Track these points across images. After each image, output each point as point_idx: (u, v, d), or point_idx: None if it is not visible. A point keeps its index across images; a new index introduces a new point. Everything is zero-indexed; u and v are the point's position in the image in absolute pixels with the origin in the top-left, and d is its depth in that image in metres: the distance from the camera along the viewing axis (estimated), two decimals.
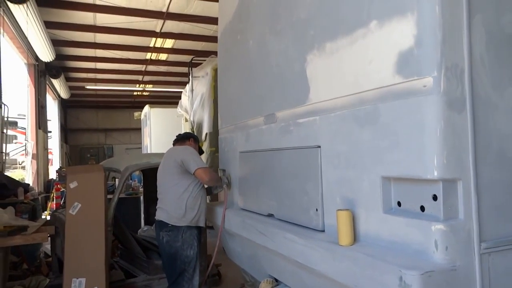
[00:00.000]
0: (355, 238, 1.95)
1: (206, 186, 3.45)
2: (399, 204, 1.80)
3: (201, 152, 3.71)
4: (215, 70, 5.91)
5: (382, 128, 1.80)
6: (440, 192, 1.60)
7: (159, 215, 3.30)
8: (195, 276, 3.25)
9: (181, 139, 3.62)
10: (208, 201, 3.41)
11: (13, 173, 12.44)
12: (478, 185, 1.62)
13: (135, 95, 18.82)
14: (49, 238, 4.16)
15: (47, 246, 5.30)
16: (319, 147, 2.25)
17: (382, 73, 1.79)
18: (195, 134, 7.06)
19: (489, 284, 1.60)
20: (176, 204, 3.23)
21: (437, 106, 1.58)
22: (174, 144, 3.65)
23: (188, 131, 4.19)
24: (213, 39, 9.82)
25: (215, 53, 4.60)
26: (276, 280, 2.75)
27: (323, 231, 2.23)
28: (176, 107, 8.56)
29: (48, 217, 5.66)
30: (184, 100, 7.95)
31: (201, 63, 7.53)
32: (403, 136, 1.69)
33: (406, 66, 1.68)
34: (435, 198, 1.63)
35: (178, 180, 3.25)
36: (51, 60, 10.91)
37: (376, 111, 1.83)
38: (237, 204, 3.45)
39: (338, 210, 1.98)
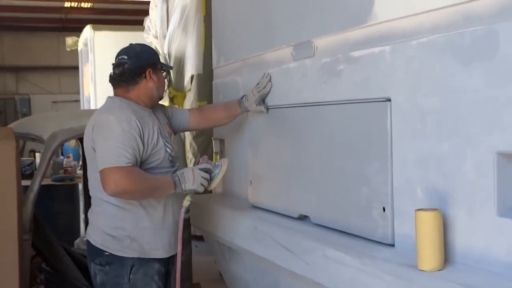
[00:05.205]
0: (446, 258, 1.97)
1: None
2: None
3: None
4: None
5: (502, 66, 1.78)
6: None
7: (88, 232, 3.11)
8: None
9: (122, 82, 3.12)
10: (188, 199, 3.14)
11: None
12: None
13: (66, 7, 18.81)
14: None
15: None
16: (389, 100, 2.25)
17: None
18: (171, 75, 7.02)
19: None
20: (112, 216, 2.98)
21: None
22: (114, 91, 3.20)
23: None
24: None
25: None
26: None
27: (393, 245, 2.25)
28: (140, 30, 8.53)
29: None
30: (154, 17, 7.92)
31: None
32: None
33: None
34: None
35: None
36: None
37: (492, 36, 1.80)
38: (243, 197, 3.50)
39: (419, 210, 1.99)
